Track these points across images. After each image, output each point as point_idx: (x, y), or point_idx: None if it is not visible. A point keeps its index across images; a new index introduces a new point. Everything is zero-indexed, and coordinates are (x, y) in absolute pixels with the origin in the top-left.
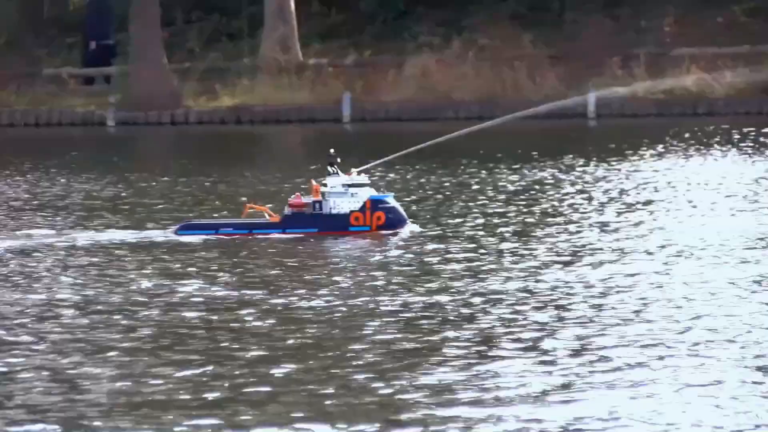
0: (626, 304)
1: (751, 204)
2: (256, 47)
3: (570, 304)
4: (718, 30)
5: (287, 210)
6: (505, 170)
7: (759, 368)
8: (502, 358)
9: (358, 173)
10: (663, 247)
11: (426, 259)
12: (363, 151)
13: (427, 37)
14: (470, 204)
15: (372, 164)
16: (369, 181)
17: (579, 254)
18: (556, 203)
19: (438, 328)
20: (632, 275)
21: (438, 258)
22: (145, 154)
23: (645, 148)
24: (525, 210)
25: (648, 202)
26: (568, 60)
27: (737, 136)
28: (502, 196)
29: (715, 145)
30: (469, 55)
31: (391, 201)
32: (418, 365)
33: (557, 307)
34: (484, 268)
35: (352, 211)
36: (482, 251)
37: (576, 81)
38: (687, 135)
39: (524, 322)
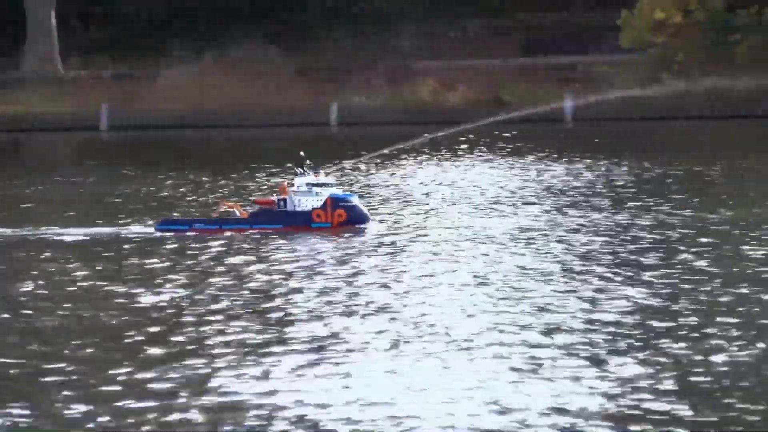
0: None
1: (487, 205)
2: (20, 61)
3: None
4: (452, 44)
5: (255, 207)
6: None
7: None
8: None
9: (326, 174)
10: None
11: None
12: (120, 157)
13: (181, 51)
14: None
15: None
16: (336, 182)
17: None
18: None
19: None
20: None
21: None
22: None
23: (387, 153)
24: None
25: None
26: (314, 73)
27: (474, 142)
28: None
29: (457, 151)
30: (220, 68)
31: (353, 200)
32: None
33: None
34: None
35: (314, 209)
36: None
37: (321, 93)
38: (425, 142)
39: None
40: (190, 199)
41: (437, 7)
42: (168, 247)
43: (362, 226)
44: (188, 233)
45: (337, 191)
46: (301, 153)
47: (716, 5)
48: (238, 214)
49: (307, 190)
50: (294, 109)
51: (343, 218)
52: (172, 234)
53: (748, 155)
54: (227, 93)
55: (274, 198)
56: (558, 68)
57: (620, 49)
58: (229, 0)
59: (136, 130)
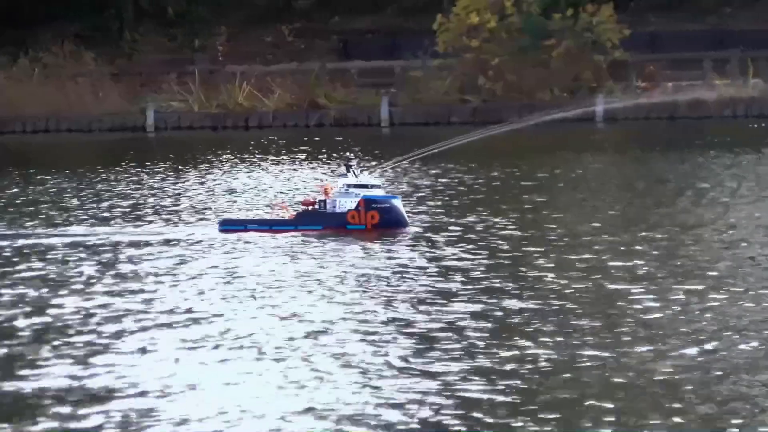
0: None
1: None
2: None
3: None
4: (268, 48)
5: (301, 208)
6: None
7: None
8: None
9: (370, 175)
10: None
11: None
12: None
13: None
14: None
15: (384, 165)
16: (378, 183)
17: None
18: (116, 201)
19: None
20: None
21: None
22: None
23: (201, 158)
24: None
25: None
26: (128, 77)
27: (287, 147)
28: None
29: (269, 155)
30: (35, 72)
31: (389, 201)
32: None
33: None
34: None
35: (349, 210)
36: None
37: (136, 97)
38: (238, 146)
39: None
40: None
41: (253, 11)
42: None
43: (401, 229)
44: (245, 233)
45: (379, 192)
46: (349, 154)
47: (532, 9)
48: (287, 215)
49: (345, 191)
50: (109, 114)
51: (376, 220)
52: (233, 234)
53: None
54: (41, 98)
55: (316, 199)
56: (374, 72)
57: (436, 54)
58: (42, 2)
59: None
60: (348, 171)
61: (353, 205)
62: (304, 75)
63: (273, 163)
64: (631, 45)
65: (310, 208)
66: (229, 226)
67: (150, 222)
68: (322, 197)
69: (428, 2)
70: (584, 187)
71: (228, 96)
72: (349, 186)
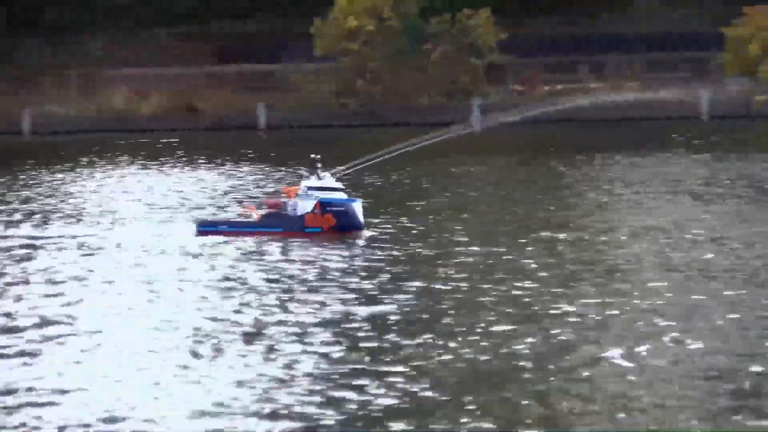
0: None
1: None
2: None
3: None
4: (146, 52)
5: (264, 210)
6: None
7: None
8: None
9: (333, 178)
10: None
11: None
12: None
13: None
14: None
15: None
16: (340, 186)
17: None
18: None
19: None
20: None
21: None
22: None
23: (84, 161)
24: None
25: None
26: (5, 81)
27: (163, 150)
28: None
29: (144, 158)
30: None
31: (344, 204)
32: None
33: None
34: None
35: (306, 213)
36: None
37: (13, 100)
38: (117, 150)
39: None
40: None
41: (133, 15)
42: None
43: (352, 232)
44: (220, 236)
45: (340, 195)
46: (313, 156)
47: (410, 12)
48: (255, 216)
49: (306, 193)
50: None
51: (332, 223)
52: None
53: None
54: None
55: (281, 200)
56: (252, 76)
57: (315, 57)
58: None
59: None
60: (312, 173)
61: (311, 208)
62: (183, 79)
63: (155, 167)
64: (508, 49)
65: (273, 210)
66: (205, 227)
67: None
68: (285, 199)
69: (307, 7)
70: (456, 191)
71: (107, 100)
72: (309, 188)
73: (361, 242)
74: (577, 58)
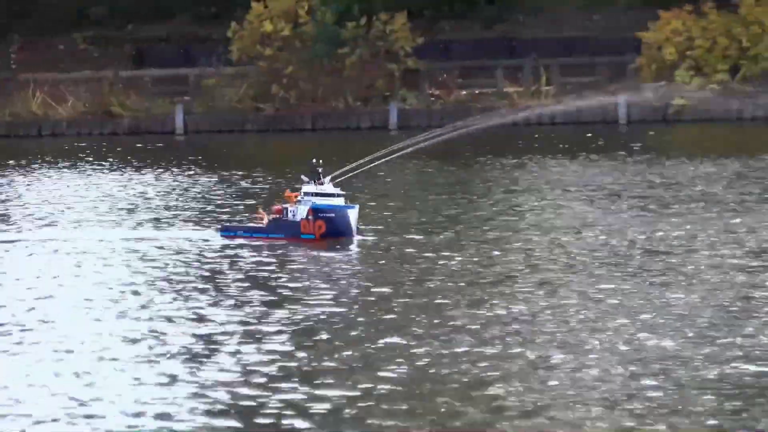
0: None
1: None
2: None
3: None
4: (61, 56)
5: (271, 216)
6: None
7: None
8: None
9: (332, 183)
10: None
11: None
12: None
13: None
14: None
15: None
16: (339, 191)
17: None
18: None
19: None
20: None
21: None
22: None
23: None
24: None
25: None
26: None
27: (80, 155)
28: None
29: (60, 163)
30: None
31: (335, 210)
32: None
33: None
34: None
35: (301, 219)
36: None
37: None
38: (32, 155)
39: None
40: None
41: (47, 19)
42: None
43: (344, 239)
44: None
45: (334, 202)
46: (314, 161)
47: (326, 18)
48: (264, 222)
49: (304, 199)
50: None
51: (323, 229)
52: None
53: None
54: None
55: (282, 206)
56: (168, 80)
57: (231, 62)
58: None
59: None
60: (312, 179)
61: (305, 214)
62: (98, 83)
63: (68, 171)
64: (425, 53)
65: (276, 216)
66: (227, 231)
67: None
68: (286, 204)
69: (223, 10)
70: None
71: (21, 104)
72: (306, 194)
73: (342, 249)
74: (493, 62)
